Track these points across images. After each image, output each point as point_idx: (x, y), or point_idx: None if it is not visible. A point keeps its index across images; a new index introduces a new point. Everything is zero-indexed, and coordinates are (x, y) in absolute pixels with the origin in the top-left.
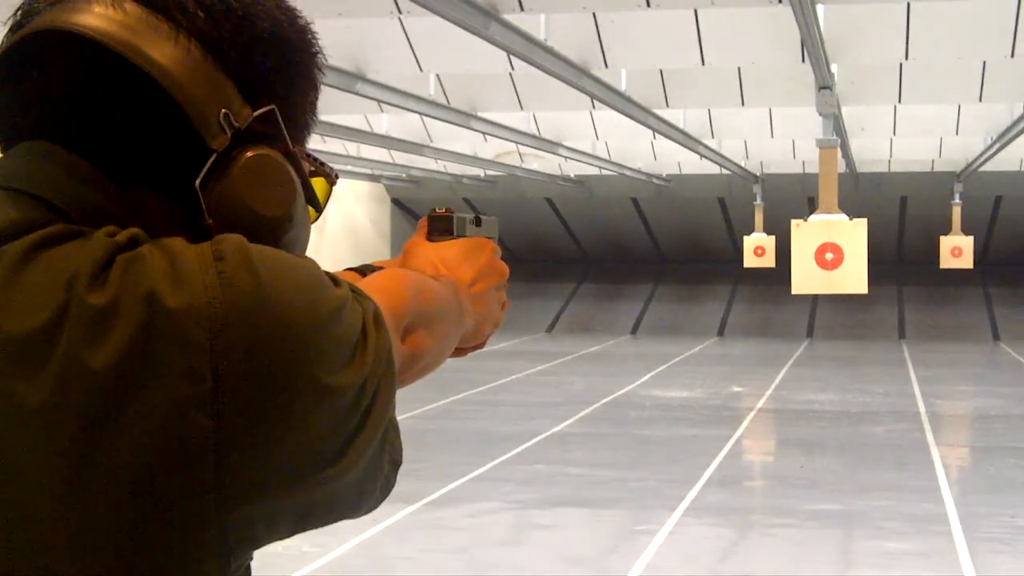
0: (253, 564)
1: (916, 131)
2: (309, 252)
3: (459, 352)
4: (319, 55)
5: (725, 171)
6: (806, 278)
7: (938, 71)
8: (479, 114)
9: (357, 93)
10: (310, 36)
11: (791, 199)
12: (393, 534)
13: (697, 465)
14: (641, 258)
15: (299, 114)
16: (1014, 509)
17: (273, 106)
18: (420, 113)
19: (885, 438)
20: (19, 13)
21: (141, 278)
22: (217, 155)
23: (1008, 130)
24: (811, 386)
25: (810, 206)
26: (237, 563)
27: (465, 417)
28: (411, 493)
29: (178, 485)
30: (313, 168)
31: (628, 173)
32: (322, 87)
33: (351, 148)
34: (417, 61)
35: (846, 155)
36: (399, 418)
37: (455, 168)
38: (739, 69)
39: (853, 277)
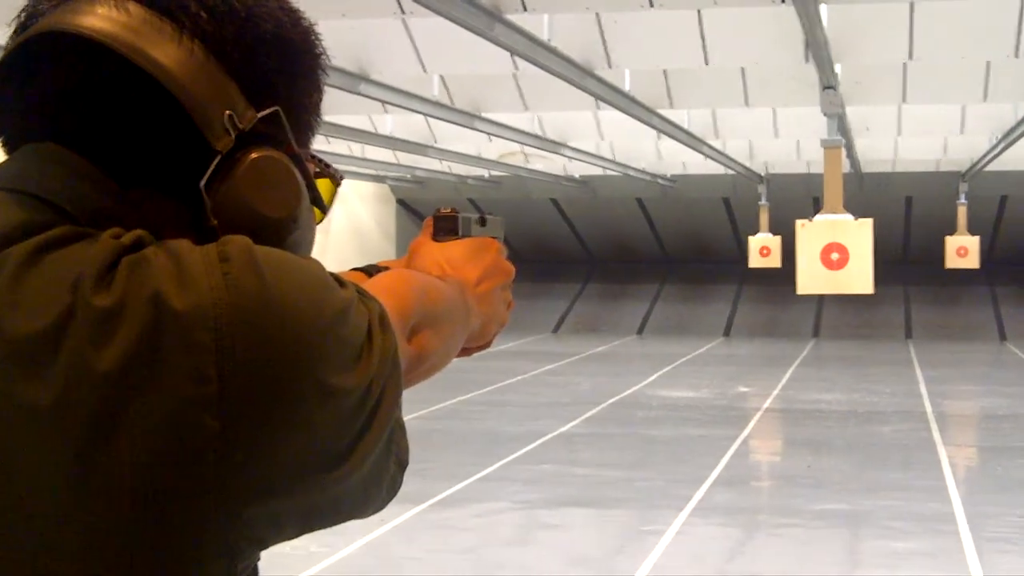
0: (260, 564)
1: (921, 131)
2: (314, 253)
3: (465, 352)
4: (323, 56)
5: (729, 171)
6: (812, 278)
7: (942, 71)
8: (483, 115)
9: (361, 94)
10: (313, 37)
11: (796, 199)
12: (400, 534)
13: (704, 465)
14: (646, 258)
15: (303, 115)
16: (1022, 509)
17: (277, 107)
18: (424, 114)
19: (892, 438)
20: (23, 15)
21: (146, 280)
22: (221, 157)
23: (1013, 129)
24: (817, 386)
25: (815, 206)
26: (243, 564)
27: (472, 417)
28: (418, 493)
29: (183, 486)
30: (318, 169)
31: (632, 173)
32: (326, 88)
33: (355, 149)
34: (421, 62)
35: (851, 155)
36: (406, 418)
37: (459, 169)
38: (743, 69)
39: (859, 277)
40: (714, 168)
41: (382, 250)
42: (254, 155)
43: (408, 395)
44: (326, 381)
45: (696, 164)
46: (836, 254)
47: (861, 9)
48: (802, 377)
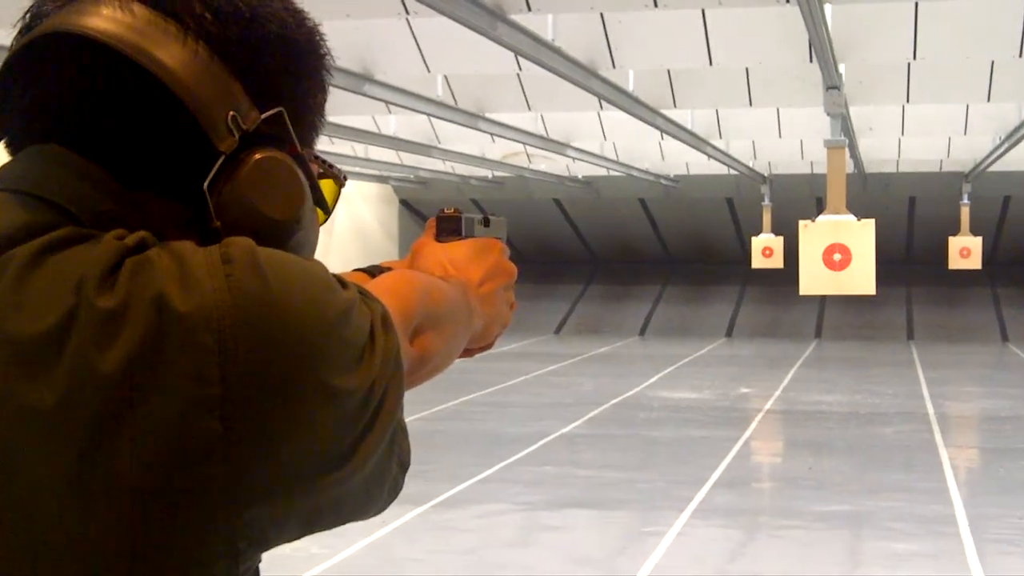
0: (262, 565)
1: (924, 131)
2: (318, 254)
3: (467, 353)
4: (327, 57)
5: (733, 171)
6: (814, 279)
7: (946, 71)
8: (487, 115)
9: (365, 94)
10: (318, 38)
11: (799, 199)
12: (402, 535)
13: (705, 466)
14: (649, 259)
15: (307, 116)
16: (1023, 511)
17: (281, 108)
18: (428, 114)
19: (894, 439)
20: (27, 16)
21: (150, 281)
22: (225, 157)
23: (1016, 130)
24: (819, 387)
25: (818, 206)
26: (245, 565)
27: (473, 418)
28: (420, 494)
29: (186, 488)
30: (321, 170)
31: (636, 174)
32: (330, 88)
33: (359, 149)
34: (425, 62)
35: (854, 155)
36: (407, 420)
37: (463, 169)
38: (747, 69)
39: (861, 278)
40: (717, 168)
41: (385, 251)
42: (258, 156)
43: (410, 396)
44: (328, 382)
45: (699, 164)
46: (839, 255)
47: (865, 9)
48: (804, 378)
